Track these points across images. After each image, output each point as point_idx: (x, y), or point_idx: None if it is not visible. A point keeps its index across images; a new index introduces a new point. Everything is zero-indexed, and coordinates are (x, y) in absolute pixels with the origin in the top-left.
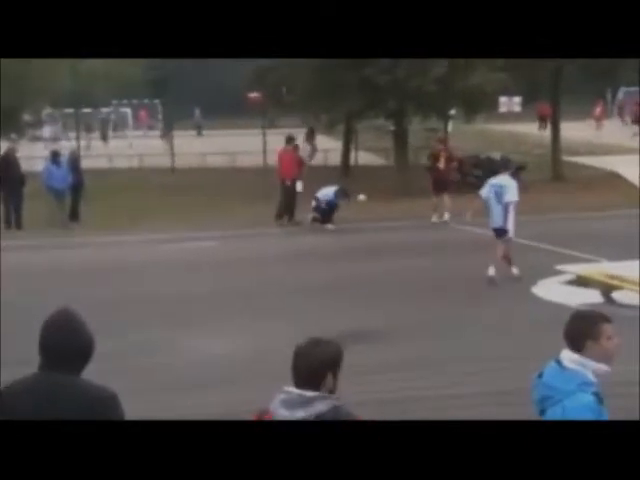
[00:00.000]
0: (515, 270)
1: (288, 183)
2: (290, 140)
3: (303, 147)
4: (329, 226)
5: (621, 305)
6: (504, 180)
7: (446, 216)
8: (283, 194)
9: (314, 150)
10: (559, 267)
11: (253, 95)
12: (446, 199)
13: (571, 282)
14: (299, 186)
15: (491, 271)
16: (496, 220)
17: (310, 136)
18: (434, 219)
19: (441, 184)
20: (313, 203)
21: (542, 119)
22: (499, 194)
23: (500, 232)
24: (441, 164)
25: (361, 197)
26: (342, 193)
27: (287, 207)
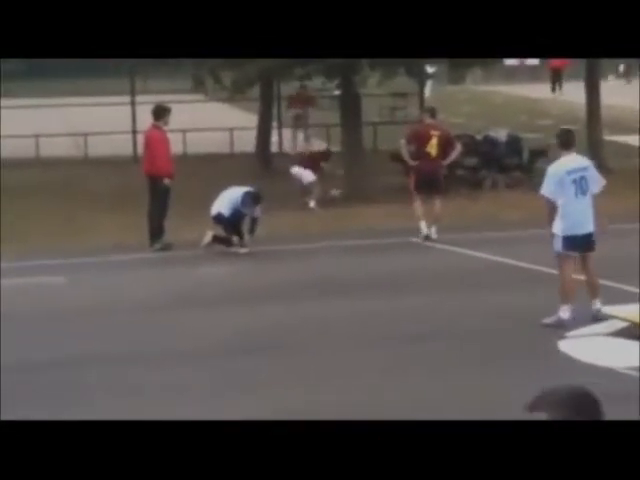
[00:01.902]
0: (599, 306)
1: (166, 182)
2: (161, 112)
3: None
4: (238, 249)
5: None
6: (580, 160)
7: (432, 231)
8: (153, 199)
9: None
10: (605, 308)
11: None
12: (437, 205)
13: (619, 333)
14: (308, 176)
15: (565, 313)
16: (584, 224)
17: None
18: (424, 232)
19: (430, 181)
20: (212, 213)
21: (555, 75)
22: (583, 182)
23: (591, 243)
24: (432, 150)
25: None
26: (252, 198)
27: (159, 219)
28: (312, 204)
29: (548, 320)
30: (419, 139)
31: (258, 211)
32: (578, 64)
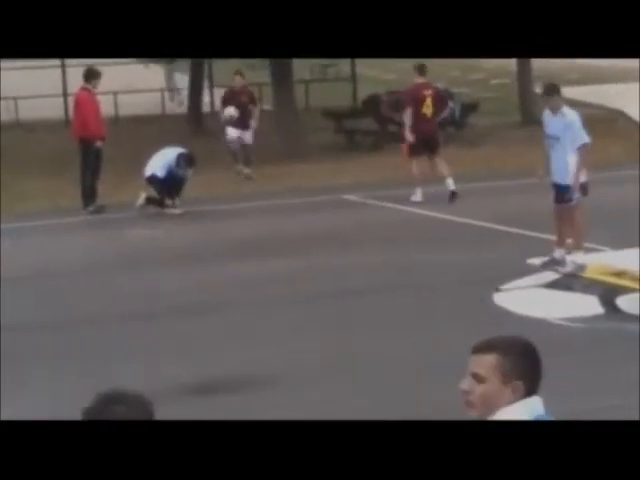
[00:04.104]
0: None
1: (97, 144)
2: (92, 75)
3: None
4: (172, 209)
5: (630, 317)
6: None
7: (450, 183)
8: (85, 162)
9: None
10: (533, 261)
11: None
12: (442, 163)
13: (553, 284)
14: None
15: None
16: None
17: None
18: (416, 197)
19: (428, 142)
20: (145, 174)
21: None
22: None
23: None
24: (427, 110)
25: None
26: (186, 159)
27: (91, 181)
28: (246, 170)
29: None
30: (414, 101)
31: (187, 172)
32: None
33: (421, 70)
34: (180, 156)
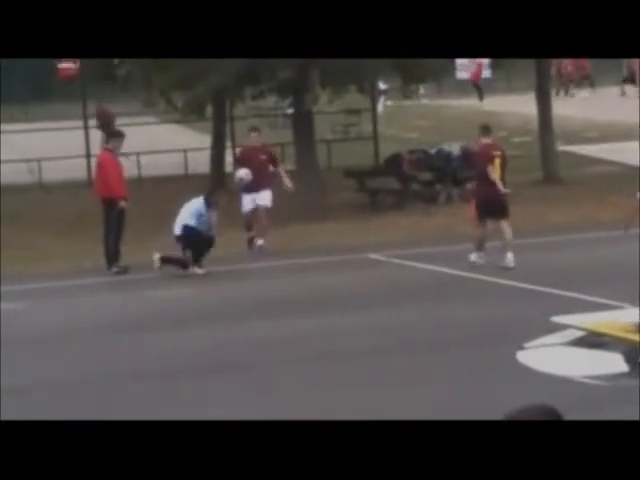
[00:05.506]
0: None
1: (120, 205)
2: (114, 136)
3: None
4: (196, 269)
5: None
6: None
7: (509, 259)
8: (108, 223)
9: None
10: (557, 319)
11: (65, 66)
12: (506, 228)
13: (577, 342)
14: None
15: None
16: None
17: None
18: (476, 258)
19: (497, 205)
20: (176, 230)
21: (475, 85)
22: None
23: None
24: (495, 172)
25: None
26: (211, 200)
27: (114, 242)
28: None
29: None
30: (483, 162)
31: (214, 216)
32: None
33: (486, 130)
34: (206, 198)
